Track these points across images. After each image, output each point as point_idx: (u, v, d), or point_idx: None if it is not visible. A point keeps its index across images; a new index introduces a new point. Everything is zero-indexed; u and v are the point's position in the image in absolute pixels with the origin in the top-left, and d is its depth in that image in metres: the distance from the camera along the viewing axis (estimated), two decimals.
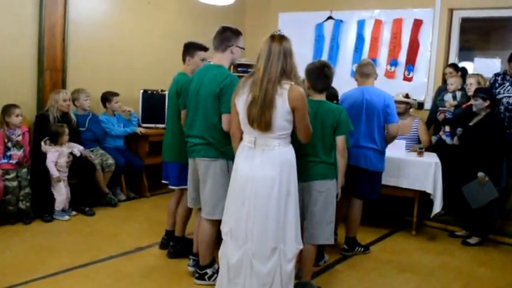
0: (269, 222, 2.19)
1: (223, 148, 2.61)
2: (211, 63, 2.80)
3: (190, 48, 3.22)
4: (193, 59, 3.19)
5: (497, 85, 4.15)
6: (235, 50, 2.69)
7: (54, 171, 3.83)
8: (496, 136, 3.61)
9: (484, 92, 3.74)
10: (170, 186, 3.21)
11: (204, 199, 2.70)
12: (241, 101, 2.24)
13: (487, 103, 3.66)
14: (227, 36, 2.67)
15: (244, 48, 2.78)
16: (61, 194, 3.88)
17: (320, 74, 2.67)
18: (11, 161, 3.73)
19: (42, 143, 3.87)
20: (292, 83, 2.17)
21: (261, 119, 2.14)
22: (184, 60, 3.24)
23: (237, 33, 2.71)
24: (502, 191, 3.73)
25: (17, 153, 3.77)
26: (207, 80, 2.64)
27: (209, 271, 2.78)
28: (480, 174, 3.55)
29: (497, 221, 3.93)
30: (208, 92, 2.61)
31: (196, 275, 2.82)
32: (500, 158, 3.70)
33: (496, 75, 4.22)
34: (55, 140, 3.88)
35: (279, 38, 2.19)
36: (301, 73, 2.58)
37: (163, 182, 3.32)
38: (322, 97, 2.71)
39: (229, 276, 2.29)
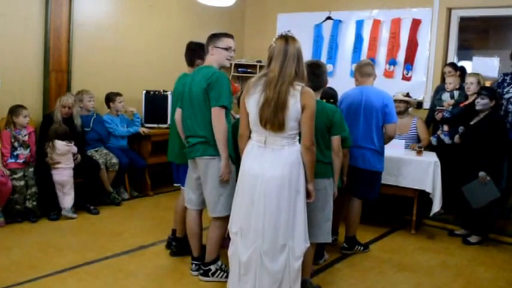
0: (280, 220, 2.22)
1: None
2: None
3: (201, 50, 3.14)
4: (203, 62, 3.11)
5: (505, 84, 4.16)
6: (213, 51, 2.76)
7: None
8: (497, 135, 3.60)
9: (491, 91, 3.72)
10: (183, 188, 3.16)
11: (206, 197, 2.75)
12: (252, 101, 2.26)
13: (493, 103, 3.66)
14: (208, 40, 2.79)
15: (225, 48, 2.76)
16: (70, 194, 3.93)
17: (309, 73, 2.62)
18: (18, 161, 3.79)
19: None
20: (304, 84, 2.21)
21: (275, 120, 2.17)
22: (192, 62, 3.19)
23: (217, 35, 2.78)
24: (502, 191, 3.72)
25: (23, 153, 3.83)
26: (197, 79, 2.72)
27: (213, 267, 2.83)
28: (481, 174, 3.55)
29: (498, 220, 3.94)
30: (199, 90, 2.67)
31: (201, 271, 2.87)
32: (501, 158, 3.69)
33: (505, 74, 4.23)
34: (67, 138, 3.94)
35: (292, 40, 2.22)
36: None
37: (175, 185, 3.30)
38: (316, 96, 2.69)
39: (239, 273, 2.32)
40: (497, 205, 3.74)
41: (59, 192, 3.90)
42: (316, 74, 2.69)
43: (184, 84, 2.89)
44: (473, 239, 3.76)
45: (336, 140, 2.72)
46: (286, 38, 2.22)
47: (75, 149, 3.99)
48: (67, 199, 3.91)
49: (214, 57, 2.77)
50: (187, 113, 2.78)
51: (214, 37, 2.78)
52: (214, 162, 2.67)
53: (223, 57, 2.79)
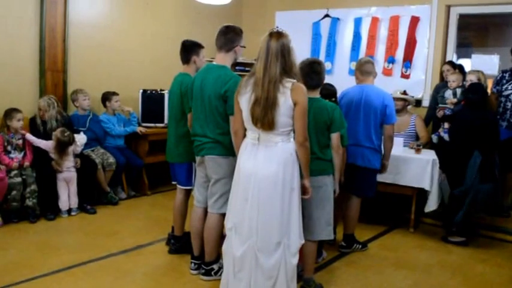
0: (274, 217, 2.21)
1: (232, 145, 2.61)
2: (214, 63, 2.78)
3: (196, 47, 3.17)
4: (199, 58, 3.17)
5: (504, 81, 4.17)
6: (238, 49, 2.72)
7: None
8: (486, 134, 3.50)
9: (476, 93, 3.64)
10: (179, 187, 3.18)
11: (214, 194, 2.71)
12: (244, 100, 2.25)
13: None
14: (231, 37, 2.67)
15: (245, 47, 2.80)
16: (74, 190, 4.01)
17: (310, 71, 2.66)
18: (12, 163, 3.75)
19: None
20: (294, 80, 2.18)
21: (265, 119, 2.16)
22: (188, 60, 3.16)
23: (239, 32, 2.73)
24: (494, 190, 3.60)
25: (17, 156, 3.80)
26: (211, 80, 2.63)
27: (215, 266, 2.82)
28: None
29: (496, 219, 3.94)
30: (213, 93, 2.61)
31: (203, 271, 2.85)
32: (467, 157, 3.52)
33: (504, 71, 4.24)
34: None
35: (276, 35, 2.18)
36: None
37: (173, 183, 3.29)
38: (315, 94, 2.70)
39: (234, 270, 2.32)
40: (467, 206, 3.53)
41: (63, 190, 3.92)
42: (316, 71, 2.68)
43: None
44: (454, 238, 3.68)
45: (335, 137, 2.70)
46: (270, 34, 2.18)
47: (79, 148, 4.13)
48: (73, 197, 3.98)
49: (236, 56, 2.74)
50: (196, 113, 2.73)
51: (240, 33, 2.72)
52: (227, 161, 2.64)
53: (239, 55, 2.80)
